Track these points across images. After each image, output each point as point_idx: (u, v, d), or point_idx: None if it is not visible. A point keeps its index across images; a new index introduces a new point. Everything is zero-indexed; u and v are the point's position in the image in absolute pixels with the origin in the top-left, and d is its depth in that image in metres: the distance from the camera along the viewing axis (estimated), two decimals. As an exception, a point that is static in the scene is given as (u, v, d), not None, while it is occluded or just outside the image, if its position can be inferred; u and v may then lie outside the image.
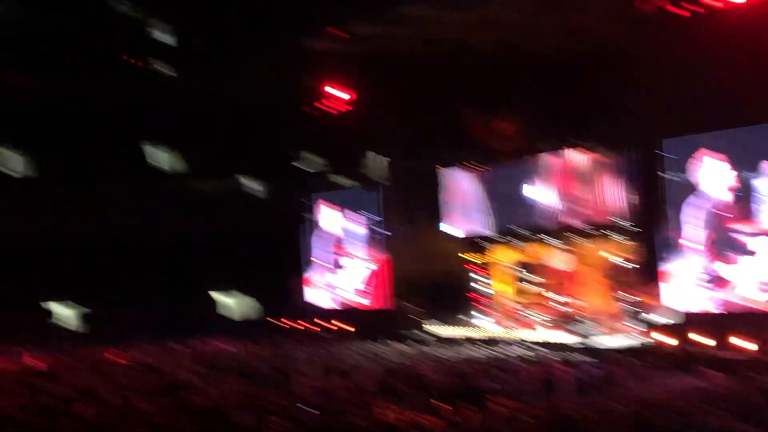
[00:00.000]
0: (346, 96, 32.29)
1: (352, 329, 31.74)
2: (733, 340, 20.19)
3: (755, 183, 20.74)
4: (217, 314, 37.28)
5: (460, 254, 31.81)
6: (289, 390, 18.77)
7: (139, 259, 35.62)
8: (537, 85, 25.64)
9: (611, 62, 23.69)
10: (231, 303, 38.92)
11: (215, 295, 38.08)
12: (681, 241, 22.30)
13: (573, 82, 24.97)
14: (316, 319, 33.92)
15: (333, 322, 32.97)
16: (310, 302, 35.48)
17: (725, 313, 21.34)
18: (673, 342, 21.51)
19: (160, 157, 37.10)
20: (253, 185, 39.79)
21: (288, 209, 35.55)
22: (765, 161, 20.52)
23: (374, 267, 32.57)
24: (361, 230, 33.05)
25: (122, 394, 17.99)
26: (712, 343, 20.67)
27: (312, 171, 37.58)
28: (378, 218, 32.23)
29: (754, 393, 15.53)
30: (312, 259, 35.34)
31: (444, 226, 30.92)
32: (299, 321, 34.29)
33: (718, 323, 21.11)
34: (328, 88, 32.43)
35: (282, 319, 34.62)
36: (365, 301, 33.00)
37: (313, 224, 35.41)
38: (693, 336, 21.12)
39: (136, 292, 34.87)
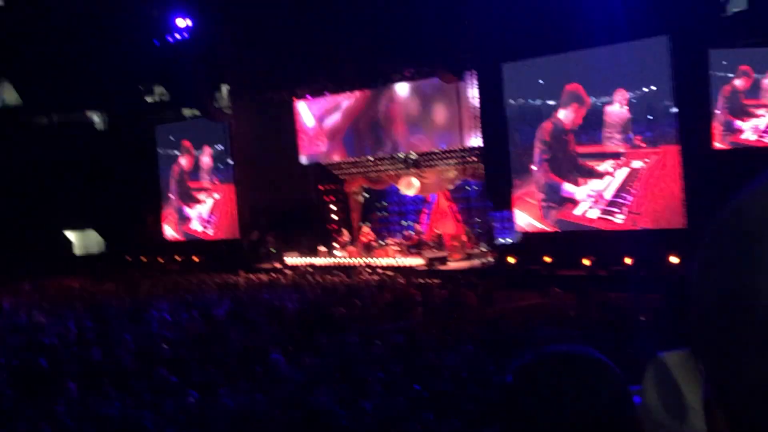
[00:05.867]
0: (188, 24, 31.64)
1: (199, 260, 31.45)
2: (574, 257, 21.03)
3: (605, 108, 21.39)
4: (64, 250, 36.40)
5: (313, 184, 31.92)
6: (141, 325, 18.70)
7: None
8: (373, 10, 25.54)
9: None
10: (78, 239, 38.04)
11: (62, 231, 37.15)
12: (530, 165, 22.83)
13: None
14: (165, 253, 33.50)
15: (182, 254, 32.57)
16: (161, 235, 35.01)
17: (568, 232, 22.12)
18: (517, 261, 22.25)
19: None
20: (97, 118, 38.73)
21: (134, 141, 34.69)
22: (616, 88, 21.08)
23: (219, 197, 32.26)
24: (209, 161, 32.62)
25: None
26: (555, 261, 21.48)
27: (158, 102, 36.83)
28: (222, 149, 31.79)
29: (591, 307, 16.43)
30: (162, 191, 34.74)
31: (296, 156, 30.83)
32: (148, 255, 33.80)
33: (561, 242, 21.88)
34: (172, 19, 31.69)
35: (132, 254, 34.04)
36: (211, 233, 32.72)
37: (162, 157, 34.73)
38: (537, 255, 21.89)
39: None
